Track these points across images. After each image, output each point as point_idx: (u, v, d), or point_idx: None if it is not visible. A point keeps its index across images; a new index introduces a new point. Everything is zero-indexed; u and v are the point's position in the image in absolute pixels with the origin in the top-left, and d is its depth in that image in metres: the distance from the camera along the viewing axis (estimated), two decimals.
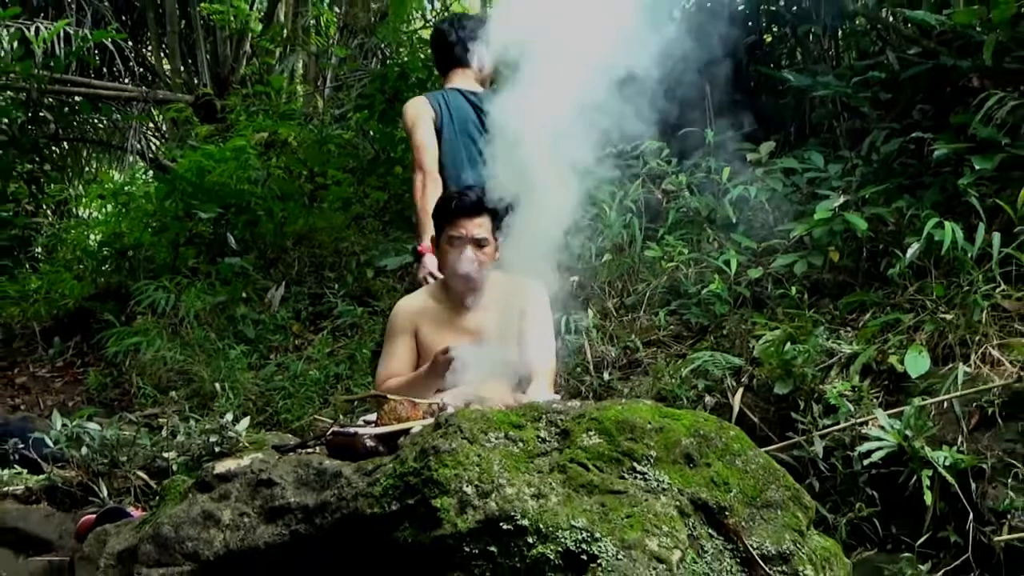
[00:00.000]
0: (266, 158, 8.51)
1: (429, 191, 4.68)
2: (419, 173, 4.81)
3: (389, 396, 3.33)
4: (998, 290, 4.73)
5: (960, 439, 4.23)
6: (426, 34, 10.91)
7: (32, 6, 10.56)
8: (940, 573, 3.98)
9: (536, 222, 3.60)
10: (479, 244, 3.84)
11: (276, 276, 7.78)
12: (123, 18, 11.70)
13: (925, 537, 4.07)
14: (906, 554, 4.08)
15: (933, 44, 5.79)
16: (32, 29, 9.58)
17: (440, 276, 4.34)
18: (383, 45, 10.36)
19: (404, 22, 10.06)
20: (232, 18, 9.83)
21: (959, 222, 4.87)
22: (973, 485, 4.06)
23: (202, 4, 10.41)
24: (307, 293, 7.56)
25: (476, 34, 4.87)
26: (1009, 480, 4.07)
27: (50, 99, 10.39)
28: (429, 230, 4.42)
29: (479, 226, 3.85)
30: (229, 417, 4.39)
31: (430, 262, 4.56)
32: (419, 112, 4.86)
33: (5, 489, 4.59)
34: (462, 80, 5.02)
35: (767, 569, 2.54)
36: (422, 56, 9.36)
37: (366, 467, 2.83)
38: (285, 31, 11.41)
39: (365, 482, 2.74)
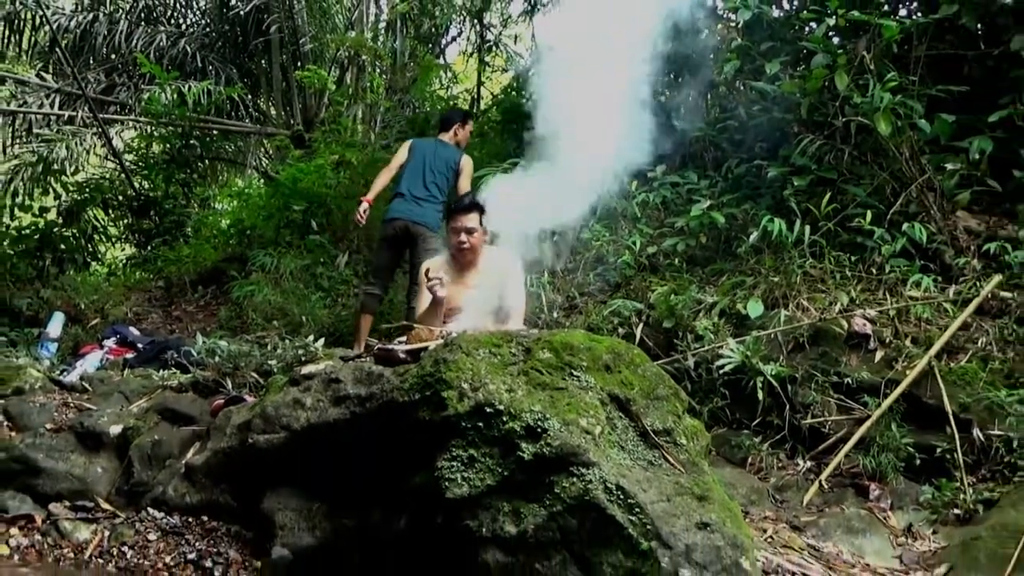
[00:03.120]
0: (337, 172, 8.38)
1: (384, 173, 5.72)
2: (387, 165, 5.78)
3: (415, 325, 3.31)
4: (808, 263, 4.74)
5: (781, 358, 4.24)
6: (442, 93, 10.85)
7: (186, 71, 10.46)
8: (767, 443, 4.00)
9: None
10: (469, 231, 3.88)
11: (342, 248, 7.68)
12: (245, 80, 11.45)
13: (758, 420, 4.10)
14: (745, 431, 4.10)
15: (769, 104, 5.74)
16: (186, 87, 9.58)
17: (363, 220, 5.63)
18: (414, 100, 10.27)
19: (428, 85, 9.96)
20: (316, 81, 9.66)
21: (784, 219, 4.86)
22: (789, 388, 4.08)
23: (297, 72, 10.25)
24: (363, 259, 7.47)
25: (453, 120, 5.91)
26: (812, 385, 4.10)
27: (197, 132, 10.26)
28: (374, 190, 5.65)
29: (469, 220, 3.90)
30: (311, 338, 4.37)
31: (362, 208, 5.59)
32: (404, 144, 5.84)
33: (165, 383, 4.55)
34: (442, 135, 5.86)
35: (657, 439, 2.52)
36: (439, 108, 9.28)
37: (400, 371, 2.81)
38: (351, 90, 11.24)
39: (399, 380, 2.71)
